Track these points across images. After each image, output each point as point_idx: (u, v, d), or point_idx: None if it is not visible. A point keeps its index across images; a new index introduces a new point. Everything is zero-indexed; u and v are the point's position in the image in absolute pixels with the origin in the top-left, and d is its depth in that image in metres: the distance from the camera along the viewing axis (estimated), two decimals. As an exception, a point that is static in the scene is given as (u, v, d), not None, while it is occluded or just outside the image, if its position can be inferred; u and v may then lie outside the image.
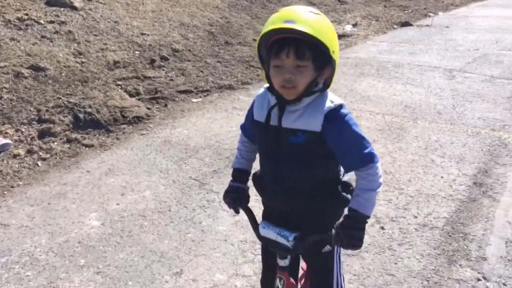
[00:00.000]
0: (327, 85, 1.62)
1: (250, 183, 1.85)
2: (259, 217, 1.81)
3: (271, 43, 1.55)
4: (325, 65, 1.56)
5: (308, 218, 1.73)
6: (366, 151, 1.56)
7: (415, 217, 3.20)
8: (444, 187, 3.58)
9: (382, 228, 3.07)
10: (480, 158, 4.06)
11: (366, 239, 2.93)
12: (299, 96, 1.56)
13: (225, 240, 2.98)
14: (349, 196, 1.67)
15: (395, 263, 2.74)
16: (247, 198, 1.82)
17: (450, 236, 3.00)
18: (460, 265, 2.73)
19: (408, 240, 2.95)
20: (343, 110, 1.58)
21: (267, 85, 1.70)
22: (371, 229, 3.05)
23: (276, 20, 1.50)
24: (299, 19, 1.47)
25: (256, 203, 1.89)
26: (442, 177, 3.73)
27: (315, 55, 1.51)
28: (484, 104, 5.36)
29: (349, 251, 2.82)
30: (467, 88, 5.96)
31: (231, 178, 1.86)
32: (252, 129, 1.76)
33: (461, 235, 3.01)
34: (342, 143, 1.57)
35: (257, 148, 1.83)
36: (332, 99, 1.60)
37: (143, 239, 2.99)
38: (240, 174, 1.85)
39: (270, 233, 1.63)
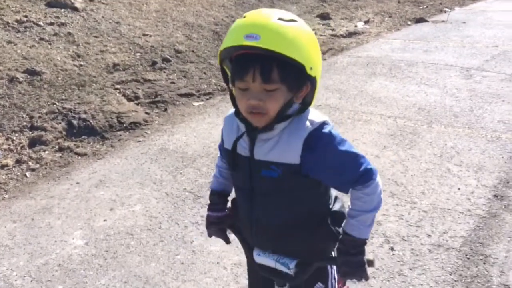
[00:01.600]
0: (306, 104, 1.32)
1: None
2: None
3: (234, 56, 1.26)
4: (301, 84, 1.26)
5: (292, 254, 1.48)
6: (362, 168, 1.29)
7: (429, 236, 2.89)
8: (462, 200, 3.26)
9: (392, 249, 2.77)
10: (501, 166, 3.72)
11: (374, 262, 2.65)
12: (270, 123, 1.27)
13: (218, 262, 2.71)
14: (341, 230, 1.40)
15: (406, 292, 2.44)
16: (230, 222, 1.58)
17: (468, 258, 2.68)
18: (480, 294, 2.42)
19: (421, 263, 2.64)
20: (324, 130, 1.29)
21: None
22: (379, 251, 2.76)
23: (236, 33, 1.20)
24: (264, 31, 1.16)
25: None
26: (459, 188, 3.41)
27: (287, 75, 1.21)
28: (504, 106, 4.99)
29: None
30: (486, 88, 5.58)
31: (209, 203, 1.60)
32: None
33: (480, 257, 2.69)
34: (330, 168, 1.30)
35: None
36: (312, 117, 1.30)
37: (128, 262, 2.74)
38: (217, 199, 1.60)
39: (267, 261, 1.42)
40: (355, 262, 1.30)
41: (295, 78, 1.24)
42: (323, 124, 1.29)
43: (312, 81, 1.27)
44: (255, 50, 1.17)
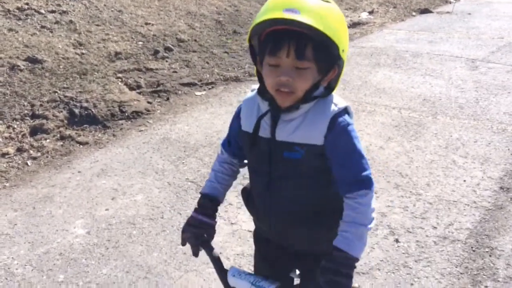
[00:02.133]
0: (331, 88, 1.32)
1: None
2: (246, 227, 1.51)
3: (266, 34, 1.24)
4: (331, 66, 1.26)
5: (307, 244, 1.44)
6: (364, 173, 1.25)
7: (434, 227, 2.85)
8: (467, 192, 3.22)
9: (397, 240, 2.74)
10: (507, 158, 3.67)
11: (379, 254, 2.63)
12: (296, 103, 1.26)
13: (220, 253, 2.68)
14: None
15: (411, 284, 2.41)
16: (212, 235, 1.43)
17: (474, 251, 2.65)
18: (486, 286, 2.39)
19: (426, 255, 2.61)
20: (345, 118, 1.28)
21: (255, 86, 1.39)
22: (384, 242, 2.72)
23: (274, 7, 1.19)
24: (304, 7, 1.16)
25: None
26: (464, 180, 3.37)
27: (320, 54, 1.20)
28: (510, 98, 4.93)
29: (359, 268, 2.50)
30: (492, 79, 5.52)
31: (196, 206, 1.47)
32: (239, 142, 1.46)
33: (486, 250, 2.66)
34: (336, 156, 1.27)
35: (237, 172, 1.53)
36: (336, 101, 1.30)
37: (130, 251, 2.71)
38: (208, 203, 1.46)
39: (242, 284, 1.28)
40: (341, 284, 1.17)
41: (327, 59, 1.23)
42: (346, 109, 1.29)
43: (340, 65, 1.28)
44: (292, 26, 1.17)
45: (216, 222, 1.46)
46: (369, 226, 1.23)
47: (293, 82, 1.21)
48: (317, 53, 1.20)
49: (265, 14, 1.20)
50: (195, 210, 1.46)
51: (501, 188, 3.27)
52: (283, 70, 1.21)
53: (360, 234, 1.22)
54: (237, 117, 1.44)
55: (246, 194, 1.53)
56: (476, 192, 3.22)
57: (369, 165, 1.28)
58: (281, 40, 1.19)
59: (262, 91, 1.32)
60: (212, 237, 1.44)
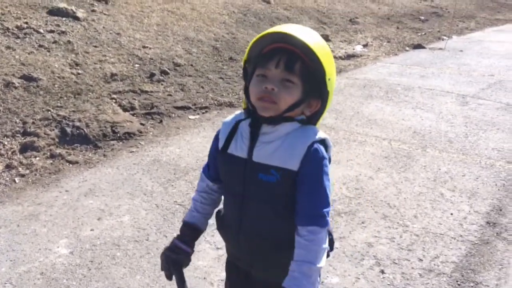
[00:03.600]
0: (312, 122, 1.35)
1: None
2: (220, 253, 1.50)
3: (263, 52, 1.33)
4: (315, 91, 1.30)
5: (276, 272, 1.42)
6: (323, 211, 1.26)
7: (420, 260, 2.85)
8: (454, 225, 3.23)
9: (382, 271, 2.73)
10: (494, 193, 3.70)
11: (364, 284, 2.61)
12: (277, 116, 1.28)
13: (204, 278, 2.65)
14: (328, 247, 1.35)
15: (395, 316, 2.39)
16: (186, 262, 1.45)
17: (459, 285, 2.64)
18: (470, 321, 2.37)
19: (411, 287, 2.60)
20: (322, 150, 1.30)
21: (238, 112, 1.43)
22: (369, 273, 2.71)
23: (274, 28, 1.31)
24: (300, 31, 1.28)
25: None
26: (451, 213, 3.38)
27: (307, 74, 1.27)
28: (499, 134, 5.01)
29: (343, 299, 2.48)
30: (481, 115, 5.61)
31: (178, 233, 1.51)
32: (216, 164, 1.46)
33: (471, 284, 2.65)
34: (302, 184, 1.28)
35: (217, 200, 1.53)
36: (317, 132, 1.34)
37: (113, 273, 2.68)
38: (187, 231, 1.49)
39: None
40: None
41: (312, 82, 1.28)
42: (324, 141, 1.32)
43: (323, 98, 1.31)
44: (287, 44, 1.26)
45: (192, 251, 1.47)
46: (319, 265, 1.23)
47: (277, 92, 1.25)
48: (304, 72, 1.27)
49: (265, 32, 1.30)
50: (176, 237, 1.48)
51: (487, 223, 3.28)
52: (270, 79, 1.27)
53: (310, 272, 1.22)
54: (216, 139, 1.46)
55: (220, 218, 1.53)
56: (462, 225, 3.23)
57: (330, 204, 1.28)
58: (273, 53, 1.28)
59: (248, 111, 1.36)
60: (187, 263, 1.45)
